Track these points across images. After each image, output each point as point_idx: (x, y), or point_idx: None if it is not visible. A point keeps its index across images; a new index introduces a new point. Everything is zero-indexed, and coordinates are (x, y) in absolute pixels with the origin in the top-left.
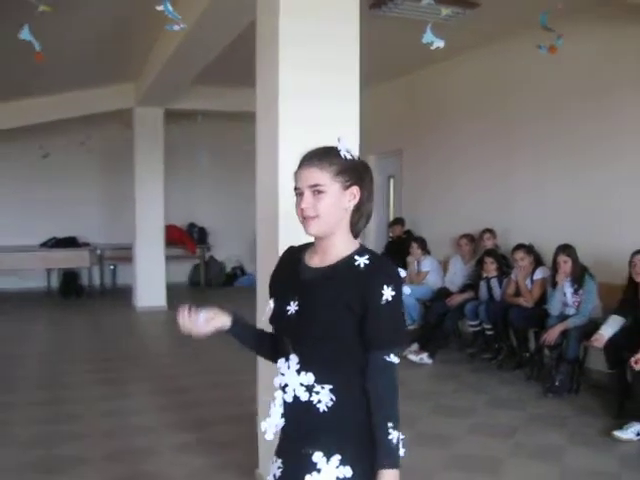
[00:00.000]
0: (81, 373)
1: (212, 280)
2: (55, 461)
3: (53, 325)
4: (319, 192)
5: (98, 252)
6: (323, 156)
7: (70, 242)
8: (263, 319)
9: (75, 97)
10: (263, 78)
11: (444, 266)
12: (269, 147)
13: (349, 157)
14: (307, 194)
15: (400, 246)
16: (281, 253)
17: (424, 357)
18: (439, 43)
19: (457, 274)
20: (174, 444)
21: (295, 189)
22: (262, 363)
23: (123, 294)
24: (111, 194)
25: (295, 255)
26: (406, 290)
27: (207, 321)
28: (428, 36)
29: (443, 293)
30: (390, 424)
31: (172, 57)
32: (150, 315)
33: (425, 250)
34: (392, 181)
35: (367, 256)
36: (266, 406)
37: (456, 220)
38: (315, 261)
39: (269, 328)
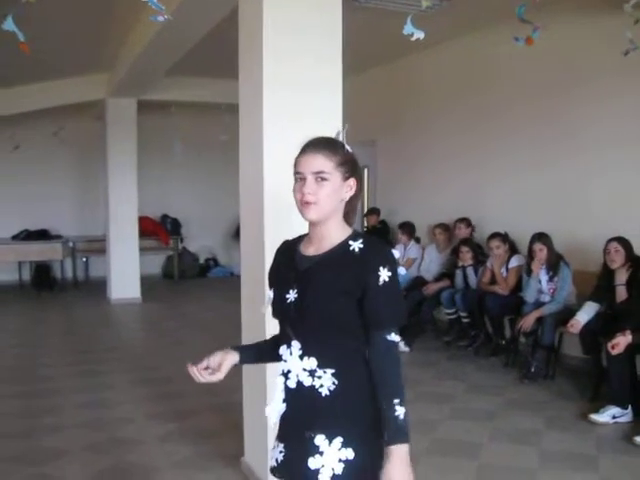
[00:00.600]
0: (59, 366)
1: (185, 272)
2: (37, 453)
3: (27, 318)
4: (322, 179)
5: (71, 244)
6: (329, 145)
7: (42, 235)
8: (263, 309)
9: (46, 87)
10: (246, 68)
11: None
12: (253, 137)
13: (349, 150)
14: (310, 179)
15: (375, 236)
16: (267, 244)
17: (401, 345)
18: (419, 34)
19: (432, 263)
20: (157, 434)
21: (297, 173)
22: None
23: (96, 286)
24: (83, 186)
25: (291, 247)
26: (401, 270)
27: (219, 366)
28: (408, 27)
29: (418, 282)
30: (396, 400)
31: (147, 47)
32: (125, 307)
33: (412, 236)
34: (367, 171)
35: (361, 240)
36: (269, 392)
37: (431, 209)
38: (311, 250)
39: (269, 317)
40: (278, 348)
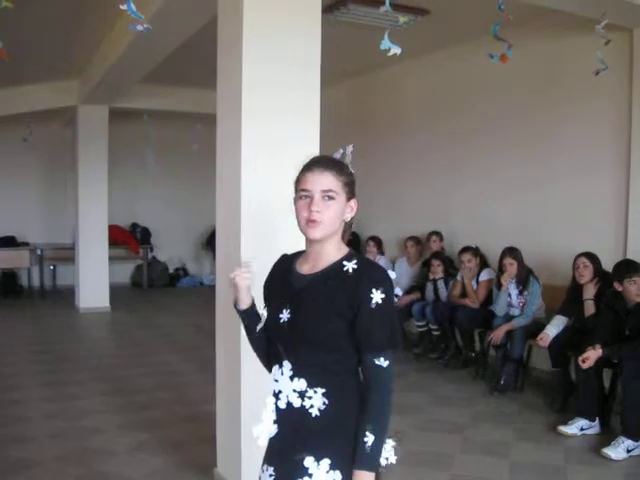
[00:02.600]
0: (26, 375)
1: (154, 281)
2: (5, 464)
3: None
4: (330, 198)
5: (38, 252)
6: (337, 164)
7: (9, 242)
8: (258, 329)
9: (16, 93)
10: (225, 73)
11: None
12: (231, 141)
13: (352, 171)
14: (317, 198)
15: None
16: (243, 253)
17: None
18: (396, 50)
19: (403, 276)
20: (128, 445)
21: (302, 191)
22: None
23: (64, 295)
24: (52, 193)
25: (287, 263)
26: (397, 291)
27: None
28: (385, 42)
29: None
30: (369, 426)
31: (122, 56)
32: (93, 316)
33: (380, 250)
34: None
35: (355, 261)
36: (243, 402)
37: (402, 223)
38: (306, 268)
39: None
40: (267, 350)
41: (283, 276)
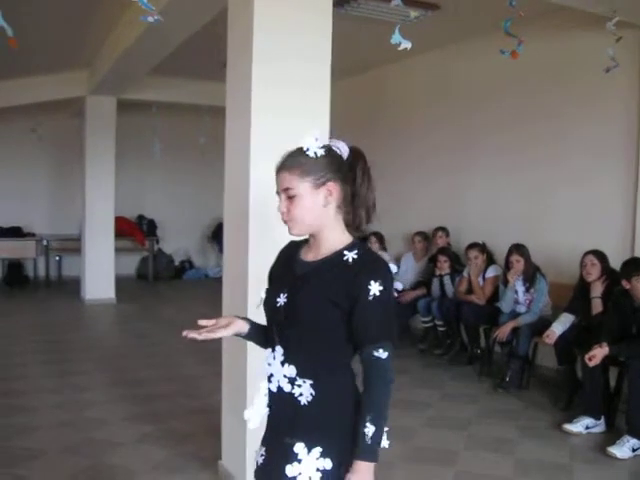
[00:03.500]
0: (31, 365)
1: (160, 273)
2: (12, 454)
3: (0, 316)
4: (290, 196)
5: (44, 243)
6: (290, 158)
7: (15, 232)
8: (255, 308)
9: (25, 84)
10: (235, 67)
11: (396, 263)
12: (240, 137)
13: (321, 153)
14: (282, 197)
15: None
16: (251, 247)
17: None
18: (407, 44)
19: (408, 271)
20: (134, 436)
21: (276, 193)
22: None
23: (69, 286)
24: (59, 184)
25: (293, 250)
26: (398, 285)
27: (227, 325)
28: (396, 37)
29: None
30: (368, 417)
31: (131, 46)
32: (99, 307)
33: (382, 246)
34: None
35: (356, 251)
36: (249, 395)
37: (408, 218)
38: (310, 256)
39: (261, 316)
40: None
41: (287, 262)
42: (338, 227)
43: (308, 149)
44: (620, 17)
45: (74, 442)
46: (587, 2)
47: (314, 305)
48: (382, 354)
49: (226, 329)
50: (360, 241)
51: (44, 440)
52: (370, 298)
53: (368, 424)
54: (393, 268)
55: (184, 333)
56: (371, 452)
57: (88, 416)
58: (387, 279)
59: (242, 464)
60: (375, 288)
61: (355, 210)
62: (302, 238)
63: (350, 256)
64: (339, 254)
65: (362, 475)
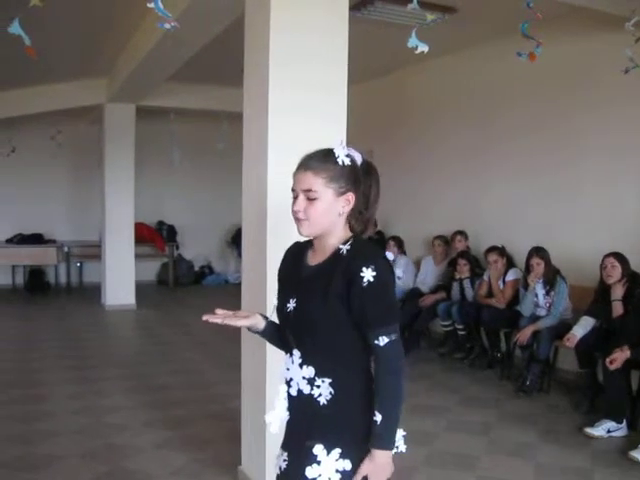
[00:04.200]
0: (52, 371)
1: (180, 279)
2: (31, 460)
3: (21, 323)
4: (311, 198)
5: (65, 249)
6: (320, 161)
7: (36, 239)
8: (269, 315)
9: (44, 91)
10: (252, 71)
11: (416, 267)
12: (258, 141)
13: (347, 163)
14: (301, 197)
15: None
16: (269, 252)
17: None
18: (424, 47)
19: (428, 275)
20: (153, 442)
21: (292, 190)
22: (269, 359)
23: (90, 292)
24: (79, 190)
25: (299, 252)
26: (399, 273)
27: (245, 316)
28: (413, 40)
29: (415, 294)
30: (377, 405)
31: (149, 54)
32: (119, 314)
33: (401, 250)
34: None
35: (350, 242)
36: (268, 400)
37: (427, 221)
38: (314, 259)
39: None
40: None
41: (294, 265)
42: (342, 234)
43: (338, 156)
44: (639, 17)
45: (94, 447)
46: (605, 2)
47: (322, 306)
48: (381, 341)
49: (245, 319)
50: (357, 236)
51: (64, 445)
52: (364, 284)
53: (376, 412)
54: (389, 255)
55: (204, 317)
56: (380, 439)
57: (108, 422)
58: (380, 264)
59: (262, 470)
60: (368, 274)
61: (360, 221)
62: (306, 239)
63: (344, 248)
64: (337, 250)
65: (374, 462)
